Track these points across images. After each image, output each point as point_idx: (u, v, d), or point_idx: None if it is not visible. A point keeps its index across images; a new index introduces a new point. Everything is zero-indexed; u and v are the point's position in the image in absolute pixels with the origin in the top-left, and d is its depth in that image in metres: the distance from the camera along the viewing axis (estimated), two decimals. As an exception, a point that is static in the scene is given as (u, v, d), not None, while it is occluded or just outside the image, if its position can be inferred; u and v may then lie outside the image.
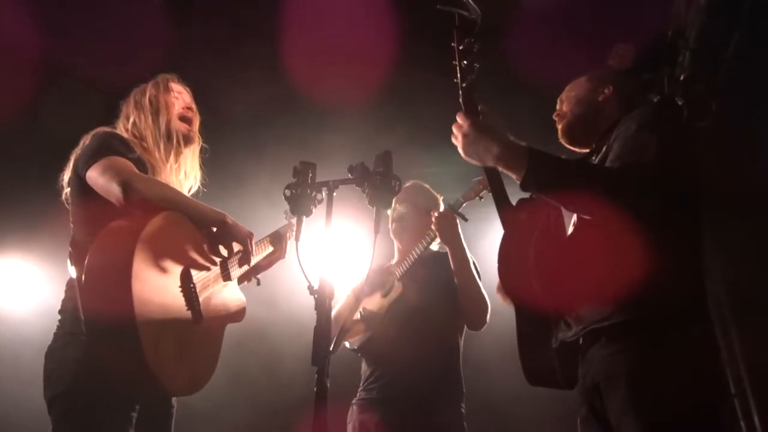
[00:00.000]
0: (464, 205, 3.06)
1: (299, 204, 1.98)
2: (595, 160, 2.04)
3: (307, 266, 1.90)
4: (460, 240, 3.01)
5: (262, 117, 4.24)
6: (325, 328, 1.78)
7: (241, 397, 4.78)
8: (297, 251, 1.98)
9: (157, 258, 2.08)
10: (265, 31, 3.67)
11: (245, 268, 2.50)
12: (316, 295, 1.84)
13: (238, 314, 2.48)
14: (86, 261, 2.00)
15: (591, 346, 1.85)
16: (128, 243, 2.00)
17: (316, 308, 1.82)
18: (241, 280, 2.59)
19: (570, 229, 2.00)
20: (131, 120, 2.47)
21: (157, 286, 2.06)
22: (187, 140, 2.55)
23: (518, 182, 1.85)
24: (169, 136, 2.47)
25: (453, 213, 3.02)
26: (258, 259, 2.60)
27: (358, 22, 3.55)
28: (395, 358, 2.97)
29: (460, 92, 1.98)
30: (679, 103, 3.70)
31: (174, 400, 2.37)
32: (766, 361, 3.37)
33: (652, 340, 1.74)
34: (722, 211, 3.16)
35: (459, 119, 1.98)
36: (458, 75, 1.97)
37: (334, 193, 2.00)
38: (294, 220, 2.41)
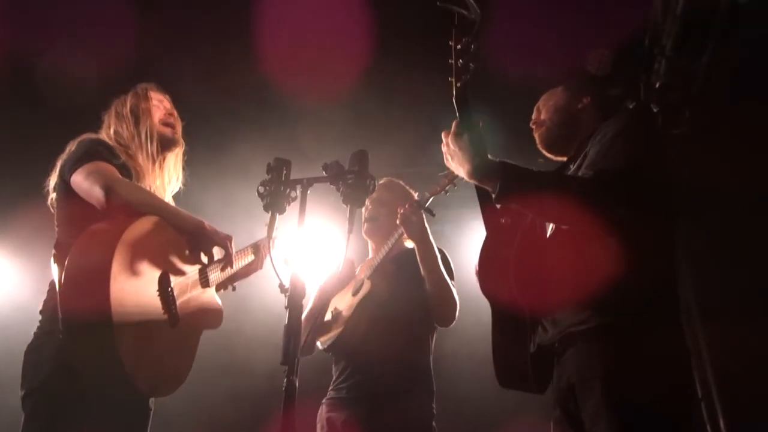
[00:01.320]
0: (431, 200, 3.02)
1: (273, 201, 1.95)
2: (573, 167, 2.07)
3: (280, 264, 1.88)
4: (427, 235, 2.96)
5: (236, 113, 4.20)
6: (295, 327, 1.76)
7: (211, 395, 4.73)
8: (270, 248, 1.98)
9: (135, 260, 2.09)
10: (238, 27, 3.64)
11: (227, 272, 2.52)
12: (287, 294, 1.82)
13: (215, 320, 2.48)
14: (67, 260, 2.02)
15: (567, 349, 1.87)
16: (108, 244, 2.02)
17: (287, 306, 1.80)
18: (218, 287, 2.59)
19: (549, 233, 2.03)
20: (113, 129, 2.50)
21: (135, 288, 2.07)
22: (171, 143, 2.58)
23: (493, 196, 1.88)
24: (151, 141, 2.49)
25: (419, 208, 2.98)
26: (239, 266, 2.61)
27: (334, 19, 3.53)
28: (364, 356, 2.95)
29: (454, 91, 1.97)
30: (655, 110, 3.76)
31: (151, 401, 2.36)
32: (732, 366, 3.43)
33: (627, 343, 1.76)
34: (690, 218, 3.21)
35: (445, 138, 2.00)
36: (453, 74, 1.96)
37: (309, 191, 1.98)
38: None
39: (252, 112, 4.21)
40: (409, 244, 3.05)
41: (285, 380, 1.72)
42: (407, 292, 3.00)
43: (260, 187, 1.97)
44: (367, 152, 2.00)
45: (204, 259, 2.41)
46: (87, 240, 2.08)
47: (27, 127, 4.28)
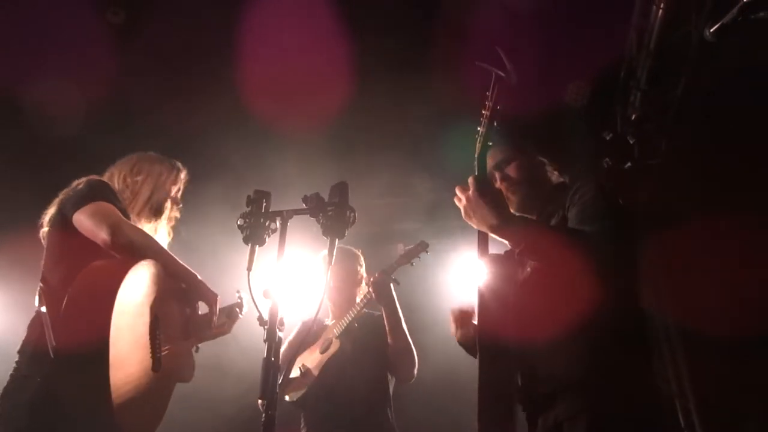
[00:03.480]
0: (396, 270, 3.30)
1: (253, 233, 1.95)
2: (553, 222, 2.22)
3: (259, 297, 1.87)
4: (394, 301, 3.24)
5: (216, 145, 4.19)
6: (273, 361, 1.75)
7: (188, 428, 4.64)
8: (249, 281, 1.95)
9: (135, 300, 2.12)
10: (219, 59, 3.67)
11: (206, 329, 2.53)
12: (266, 326, 1.81)
13: (188, 374, 2.50)
14: (71, 290, 2.04)
15: (558, 395, 1.94)
16: (115, 280, 2.06)
17: (265, 339, 1.78)
18: (192, 342, 2.58)
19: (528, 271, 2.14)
20: (132, 178, 2.57)
21: (131, 326, 2.08)
22: (163, 216, 2.63)
23: (516, 250, 2.03)
24: (157, 212, 2.58)
25: (387, 277, 3.25)
26: (216, 326, 2.61)
27: (315, 53, 3.57)
28: (333, 406, 3.17)
29: (479, 148, 2.11)
30: (631, 141, 3.83)
31: None
32: (713, 395, 3.45)
33: (612, 382, 1.86)
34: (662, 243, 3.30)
35: (461, 190, 2.10)
36: (483, 133, 2.10)
37: (288, 223, 1.98)
38: (243, 299, 2.68)
39: (232, 144, 4.22)
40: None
41: (263, 415, 1.70)
42: (370, 352, 3.26)
43: (240, 220, 1.96)
44: (347, 184, 2.01)
45: (188, 311, 2.45)
46: (92, 275, 2.11)
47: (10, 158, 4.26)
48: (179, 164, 2.73)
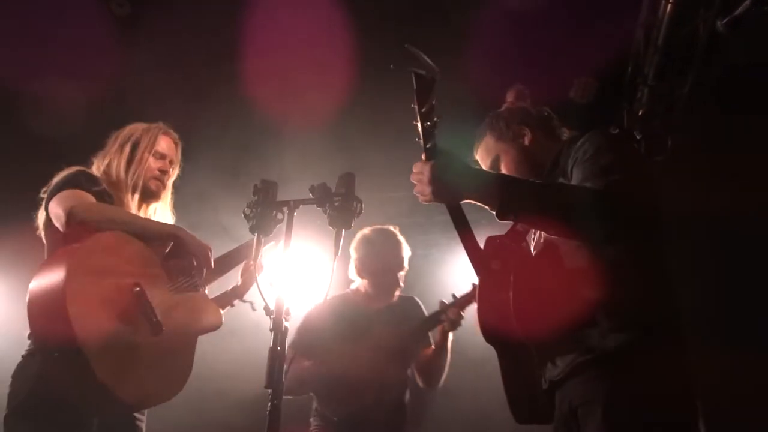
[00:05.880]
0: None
1: (259, 223, 1.94)
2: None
3: (265, 287, 1.87)
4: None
5: (223, 136, 4.19)
6: (280, 350, 1.74)
7: (194, 418, 4.64)
8: (255, 271, 1.97)
9: (95, 278, 2.08)
10: (226, 51, 3.66)
11: (211, 275, 2.51)
12: (272, 316, 1.80)
13: (212, 321, 2.42)
14: (28, 289, 2.04)
15: (572, 378, 1.85)
16: (62, 267, 2.01)
17: (271, 329, 1.78)
18: (224, 304, 2.56)
19: (533, 249, 2.02)
20: (107, 161, 2.51)
21: (100, 303, 2.05)
22: (152, 197, 2.56)
23: (494, 213, 1.82)
24: (134, 190, 2.50)
25: (463, 309, 3.11)
26: (228, 268, 2.62)
27: (320, 43, 3.57)
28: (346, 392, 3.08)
29: (423, 154, 1.90)
30: (638, 137, 3.81)
31: (145, 412, 2.37)
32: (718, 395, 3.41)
33: (627, 368, 1.74)
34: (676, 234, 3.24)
35: (416, 168, 1.92)
36: (421, 137, 1.88)
37: (295, 213, 1.96)
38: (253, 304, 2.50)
39: (240, 136, 4.22)
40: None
41: (269, 404, 1.69)
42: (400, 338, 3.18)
43: (246, 209, 1.95)
44: (354, 175, 2.00)
45: (183, 264, 2.36)
46: (44, 267, 2.09)
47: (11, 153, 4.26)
48: (159, 124, 2.61)
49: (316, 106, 3.77)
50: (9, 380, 2.20)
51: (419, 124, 1.86)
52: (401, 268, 3.29)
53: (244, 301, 2.60)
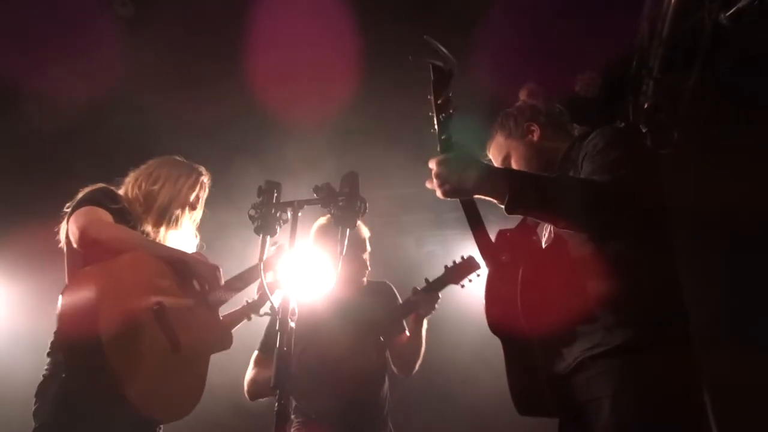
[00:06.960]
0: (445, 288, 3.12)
1: (264, 224, 1.95)
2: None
3: (272, 287, 1.88)
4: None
5: (226, 135, 4.19)
6: (286, 350, 1.75)
7: (201, 420, 4.66)
8: (261, 271, 1.97)
9: (122, 294, 2.15)
10: (229, 49, 3.66)
11: (226, 295, 2.57)
12: (278, 316, 1.81)
13: (223, 342, 2.55)
14: (59, 303, 2.10)
15: (580, 371, 1.85)
16: (94, 284, 2.09)
17: (278, 329, 1.78)
18: (240, 318, 2.67)
19: (544, 243, 2.02)
20: (148, 187, 2.57)
21: (126, 320, 2.11)
22: (174, 227, 2.62)
23: (503, 207, 1.82)
24: (160, 219, 2.56)
25: (437, 294, 3.08)
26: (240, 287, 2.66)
27: (325, 41, 3.56)
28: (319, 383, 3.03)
29: (439, 145, 1.93)
30: (644, 130, 3.79)
31: (161, 428, 2.43)
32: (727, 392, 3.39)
33: (635, 362, 1.75)
34: (687, 230, 3.21)
35: (432, 164, 1.92)
36: (437, 128, 1.92)
37: (299, 213, 1.97)
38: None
39: (244, 136, 4.22)
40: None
41: (276, 404, 1.70)
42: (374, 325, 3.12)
43: (251, 210, 1.96)
44: (357, 174, 2.00)
45: (196, 285, 2.46)
46: (75, 283, 2.16)
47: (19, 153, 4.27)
48: (202, 169, 2.71)
49: (320, 104, 3.76)
50: (8, 380, 2.26)
51: (435, 116, 1.91)
52: (363, 249, 3.21)
53: (261, 315, 2.61)
